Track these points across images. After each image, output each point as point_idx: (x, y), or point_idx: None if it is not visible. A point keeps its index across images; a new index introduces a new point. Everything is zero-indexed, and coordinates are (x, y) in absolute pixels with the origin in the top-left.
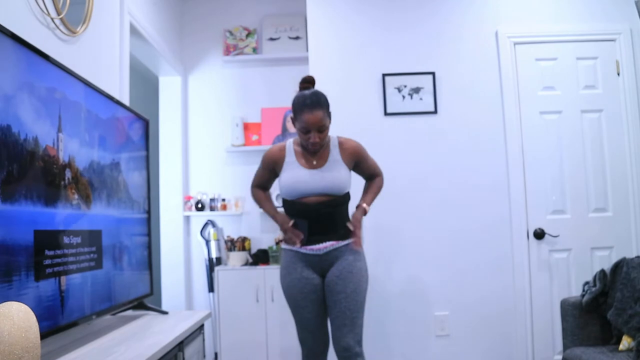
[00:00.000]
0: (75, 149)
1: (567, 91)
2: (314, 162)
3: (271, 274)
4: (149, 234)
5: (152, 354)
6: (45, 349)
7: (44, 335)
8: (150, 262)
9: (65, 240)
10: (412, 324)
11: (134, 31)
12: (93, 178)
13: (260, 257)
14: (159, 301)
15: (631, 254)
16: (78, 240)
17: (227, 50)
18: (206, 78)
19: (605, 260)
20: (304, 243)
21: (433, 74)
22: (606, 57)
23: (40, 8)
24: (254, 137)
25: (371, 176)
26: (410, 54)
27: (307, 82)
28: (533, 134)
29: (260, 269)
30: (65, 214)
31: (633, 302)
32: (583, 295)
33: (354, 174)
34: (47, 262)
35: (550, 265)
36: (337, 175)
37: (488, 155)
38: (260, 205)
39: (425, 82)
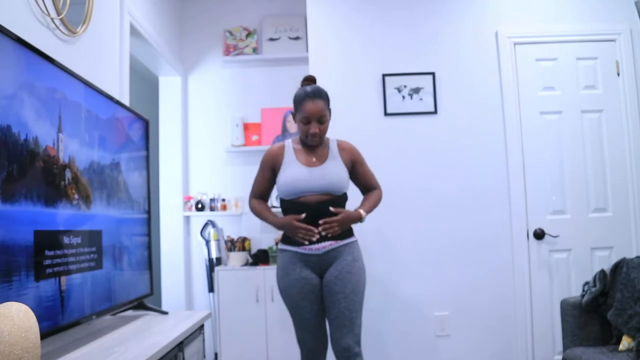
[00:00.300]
0: (76, 149)
1: (567, 91)
2: (313, 160)
3: (271, 274)
4: (149, 234)
5: (152, 354)
6: (45, 349)
7: (44, 335)
8: (150, 262)
9: (65, 240)
10: (412, 324)
11: (133, 31)
12: (93, 178)
13: (260, 258)
14: (159, 301)
15: (631, 254)
16: (78, 240)
17: (227, 51)
18: (206, 78)
19: (605, 261)
20: (303, 243)
21: (433, 74)
22: (606, 58)
23: (40, 8)
24: (254, 137)
25: (368, 187)
26: (410, 54)
27: (309, 81)
28: (533, 134)
29: (260, 269)
30: (65, 214)
31: (633, 302)
32: (583, 296)
33: (351, 185)
34: (47, 262)
35: (550, 265)
36: (336, 173)
37: (488, 155)
38: (261, 217)
39: (425, 82)
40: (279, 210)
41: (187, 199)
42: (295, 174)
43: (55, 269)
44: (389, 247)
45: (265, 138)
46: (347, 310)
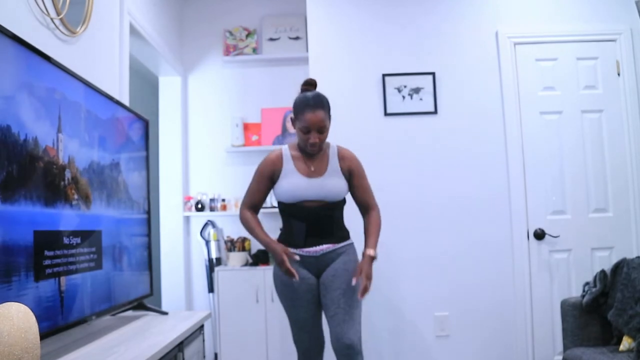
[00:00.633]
0: (75, 150)
1: (567, 91)
2: (312, 169)
3: (271, 274)
4: (148, 235)
5: (152, 355)
6: (45, 350)
7: (43, 335)
8: (150, 262)
9: (65, 240)
10: (412, 324)
11: (133, 31)
12: (93, 178)
13: (260, 258)
14: (158, 302)
15: (631, 254)
16: (78, 240)
17: (227, 51)
18: (206, 78)
19: (605, 261)
20: (301, 245)
21: (433, 74)
22: (606, 58)
23: (40, 8)
24: (254, 138)
25: (364, 204)
26: (410, 54)
27: (309, 85)
28: (533, 134)
29: (260, 269)
30: (65, 215)
31: (633, 302)
32: (583, 296)
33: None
34: (47, 262)
35: (551, 265)
36: (334, 185)
37: (488, 155)
38: (252, 232)
39: (425, 82)
40: (277, 210)
41: (187, 199)
42: (295, 184)
43: (55, 269)
44: (389, 247)
45: (265, 138)
46: (347, 305)
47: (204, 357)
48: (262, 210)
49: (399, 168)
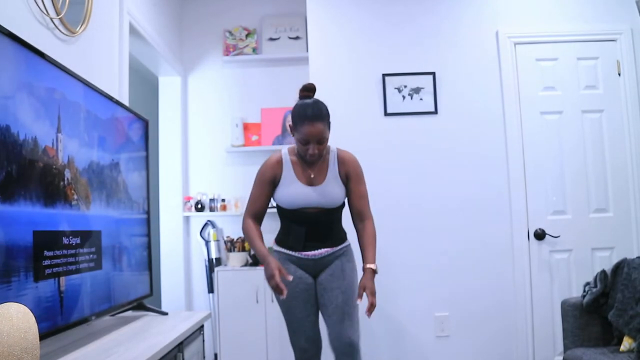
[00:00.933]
0: (75, 150)
1: (567, 91)
2: (312, 176)
3: None
4: (148, 235)
5: (152, 355)
6: (45, 350)
7: (43, 336)
8: (149, 262)
9: (65, 240)
10: (412, 324)
11: (133, 31)
12: (92, 178)
13: None
14: (158, 302)
15: (632, 254)
16: (77, 240)
17: (227, 51)
18: (206, 78)
19: (606, 261)
20: (300, 249)
21: (433, 74)
22: (607, 57)
23: (40, 8)
24: (254, 138)
25: (358, 212)
26: (410, 54)
27: (308, 91)
28: (533, 134)
29: (260, 269)
30: (64, 215)
31: (634, 303)
32: (584, 296)
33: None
34: (47, 262)
35: (551, 265)
36: (335, 192)
37: (488, 155)
38: (250, 243)
39: (426, 82)
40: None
41: (187, 199)
42: (294, 192)
43: (55, 269)
44: (389, 247)
45: (265, 138)
46: (345, 305)
47: (204, 357)
48: None
49: (399, 168)
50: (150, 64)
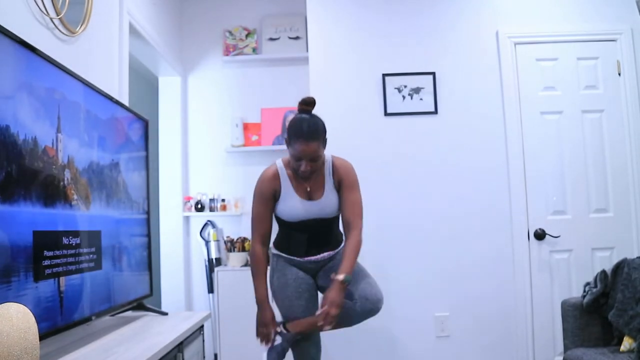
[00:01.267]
0: (75, 150)
1: (567, 91)
2: (308, 189)
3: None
4: (148, 235)
5: (152, 355)
6: (45, 350)
7: (43, 336)
8: (149, 262)
9: (65, 241)
10: (412, 324)
11: (133, 31)
12: (92, 178)
13: None
14: (158, 302)
15: (632, 254)
16: (77, 241)
17: (227, 50)
18: (206, 78)
19: (606, 261)
20: (301, 255)
21: (433, 74)
22: (607, 57)
23: (39, 8)
24: (254, 138)
25: (346, 221)
26: (410, 54)
27: (307, 105)
28: (533, 134)
29: None
30: (64, 215)
31: (634, 303)
32: (584, 296)
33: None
34: (46, 262)
35: (551, 265)
36: (332, 205)
37: (488, 155)
38: (254, 279)
39: (426, 82)
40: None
41: (187, 199)
42: (292, 207)
43: (55, 269)
44: (389, 247)
45: (265, 138)
46: (358, 275)
47: (204, 357)
48: None
49: (399, 168)
50: (150, 64)
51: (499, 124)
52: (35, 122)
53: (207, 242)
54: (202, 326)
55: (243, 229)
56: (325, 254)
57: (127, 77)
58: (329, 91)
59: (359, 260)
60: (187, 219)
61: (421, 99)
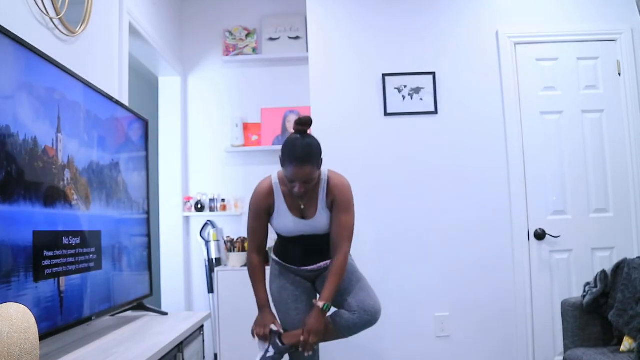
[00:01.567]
0: (75, 150)
1: (567, 91)
2: (302, 207)
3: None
4: (148, 235)
5: (152, 355)
6: (45, 350)
7: (43, 336)
8: (149, 262)
9: (65, 241)
10: (412, 324)
11: (133, 31)
12: (92, 178)
13: None
14: (158, 302)
15: (632, 254)
16: (77, 241)
17: (227, 50)
18: (206, 78)
19: (606, 261)
20: (298, 265)
21: (433, 74)
22: (607, 57)
23: (39, 8)
24: (254, 138)
25: (334, 242)
26: (410, 54)
27: (302, 125)
28: (533, 134)
29: None
30: (64, 215)
31: (634, 303)
32: (584, 296)
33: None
34: (46, 262)
35: (551, 265)
36: (325, 224)
37: (488, 155)
38: (253, 286)
39: (426, 82)
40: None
41: (187, 200)
42: (286, 224)
43: (54, 269)
44: (389, 247)
45: (265, 138)
46: (355, 280)
47: (204, 357)
48: None
49: (399, 168)
50: (150, 64)
51: (499, 124)
52: (35, 122)
53: (207, 242)
54: (202, 326)
55: (243, 229)
56: (322, 263)
57: (127, 77)
58: (329, 91)
59: (358, 260)
60: (187, 219)
61: (421, 99)
